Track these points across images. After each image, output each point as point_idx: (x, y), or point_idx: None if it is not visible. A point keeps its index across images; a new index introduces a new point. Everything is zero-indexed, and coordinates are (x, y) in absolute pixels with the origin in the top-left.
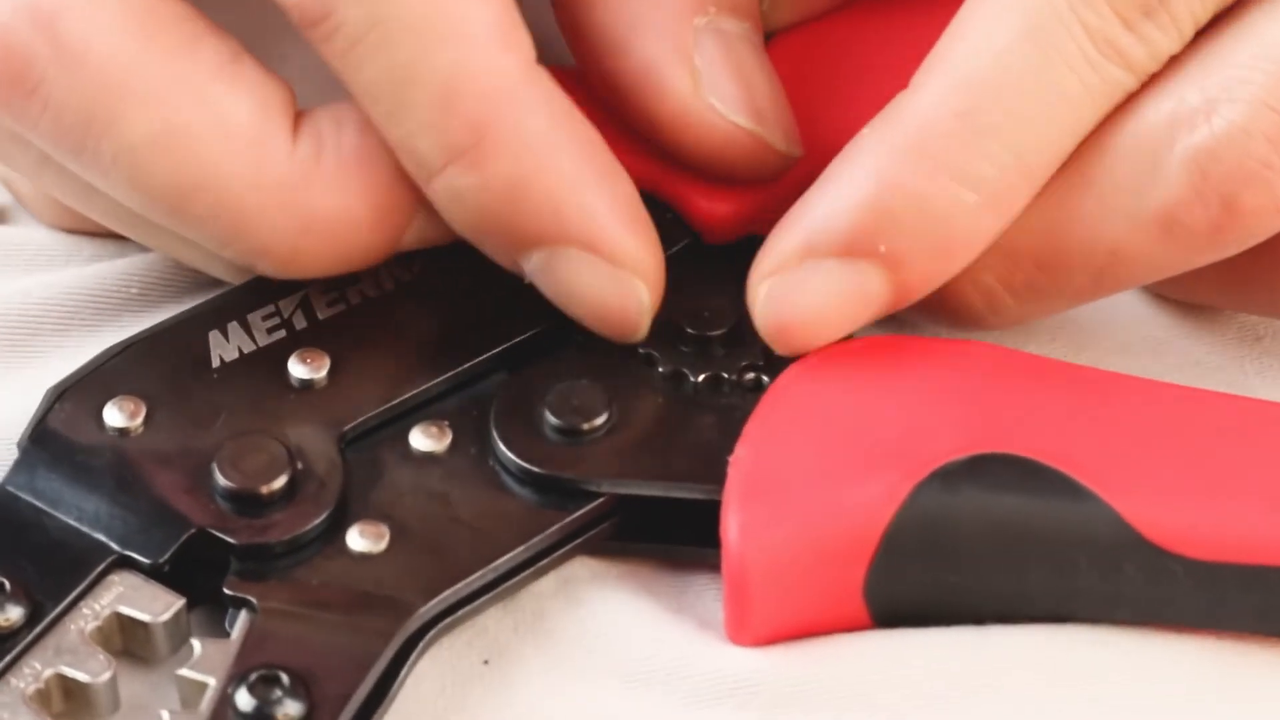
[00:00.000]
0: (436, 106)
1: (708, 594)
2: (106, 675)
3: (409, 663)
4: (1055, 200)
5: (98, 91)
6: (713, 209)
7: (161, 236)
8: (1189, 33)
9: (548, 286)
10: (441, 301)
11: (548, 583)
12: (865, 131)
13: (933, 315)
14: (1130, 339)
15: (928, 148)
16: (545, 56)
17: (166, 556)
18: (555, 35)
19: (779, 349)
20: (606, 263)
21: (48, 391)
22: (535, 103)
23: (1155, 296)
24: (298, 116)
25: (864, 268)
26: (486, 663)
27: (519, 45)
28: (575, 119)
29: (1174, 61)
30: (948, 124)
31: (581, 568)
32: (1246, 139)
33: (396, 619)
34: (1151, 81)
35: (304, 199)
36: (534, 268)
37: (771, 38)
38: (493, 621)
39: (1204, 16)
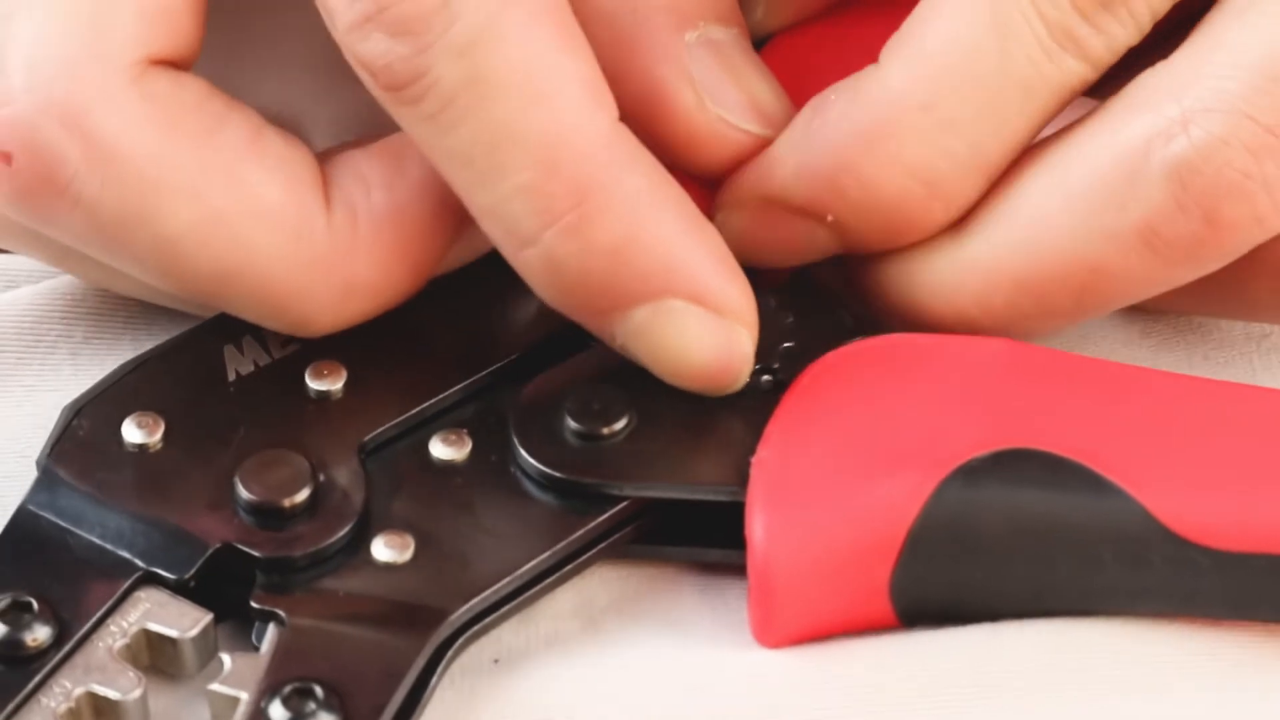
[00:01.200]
0: (536, 168)
1: (730, 594)
2: (137, 692)
3: (438, 671)
4: (1034, 219)
5: (131, 188)
6: None
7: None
8: (1146, 25)
9: (648, 344)
10: (457, 309)
11: (565, 600)
12: (833, 98)
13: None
14: (1134, 335)
15: (888, 137)
16: None
17: (192, 572)
18: None
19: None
20: (712, 313)
21: (65, 409)
22: (632, 160)
23: None
24: (324, 180)
25: (813, 226)
26: (496, 661)
27: (608, 102)
28: (666, 175)
29: (1148, 74)
30: (911, 117)
31: (601, 586)
32: (1225, 149)
33: (426, 628)
34: (1129, 93)
35: (346, 268)
36: (633, 327)
37: (769, 40)
38: (507, 632)
39: (1161, 8)
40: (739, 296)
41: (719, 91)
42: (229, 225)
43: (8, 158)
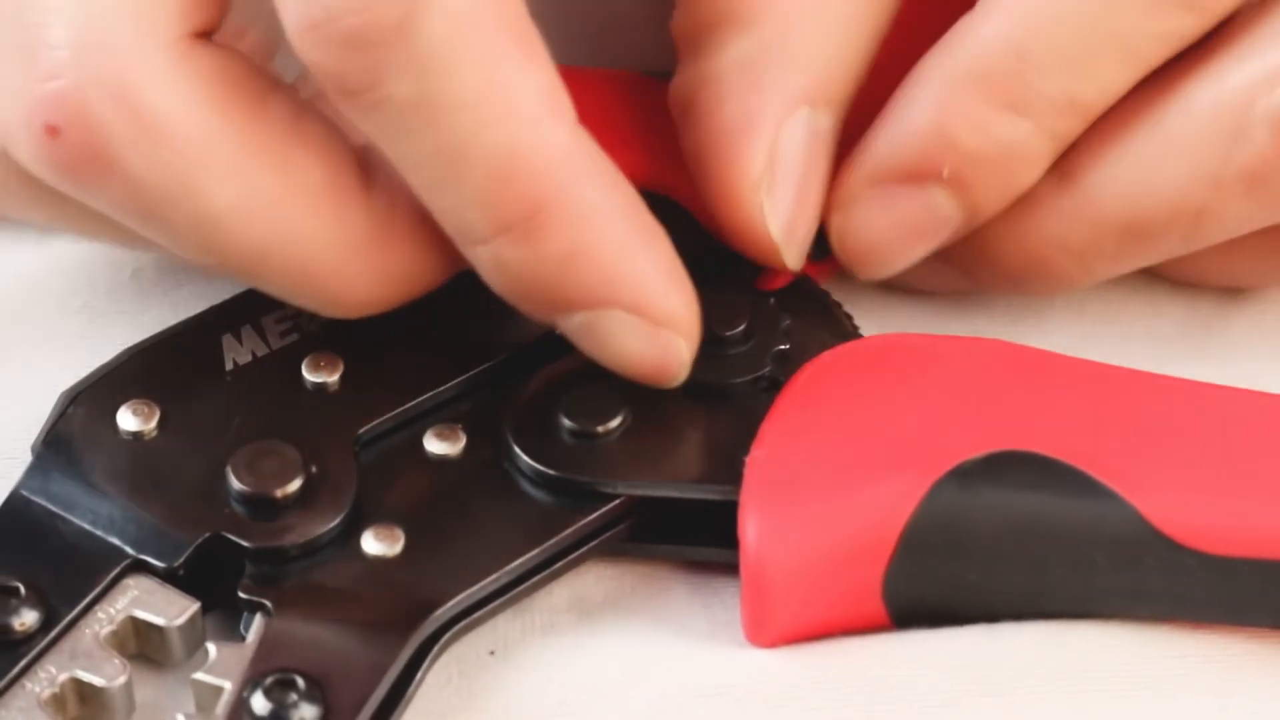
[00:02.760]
0: (489, 183)
1: (724, 593)
2: (121, 679)
3: (424, 666)
4: (1141, 167)
5: (176, 163)
6: None
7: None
8: None
9: (586, 345)
10: (455, 304)
11: (560, 597)
12: (929, 60)
13: (1019, 282)
14: (1136, 332)
15: (987, 80)
16: None
17: (181, 560)
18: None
19: (859, 276)
20: (649, 323)
21: (61, 395)
22: (587, 174)
23: (1170, 287)
24: (364, 165)
25: (932, 191)
26: (492, 653)
27: (565, 112)
28: (621, 183)
29: (1249, 21)
30: (1007, 62)
31: (595, 584)
32: None
33: (412, 622)
34: (1231, 42)
35: (384, 252)
36: (573, 326)
37: None
38: (502, 621)
39: None
40: (679, 307)
41: (781, 183)
42: (272, 204)
43: (55, 131)
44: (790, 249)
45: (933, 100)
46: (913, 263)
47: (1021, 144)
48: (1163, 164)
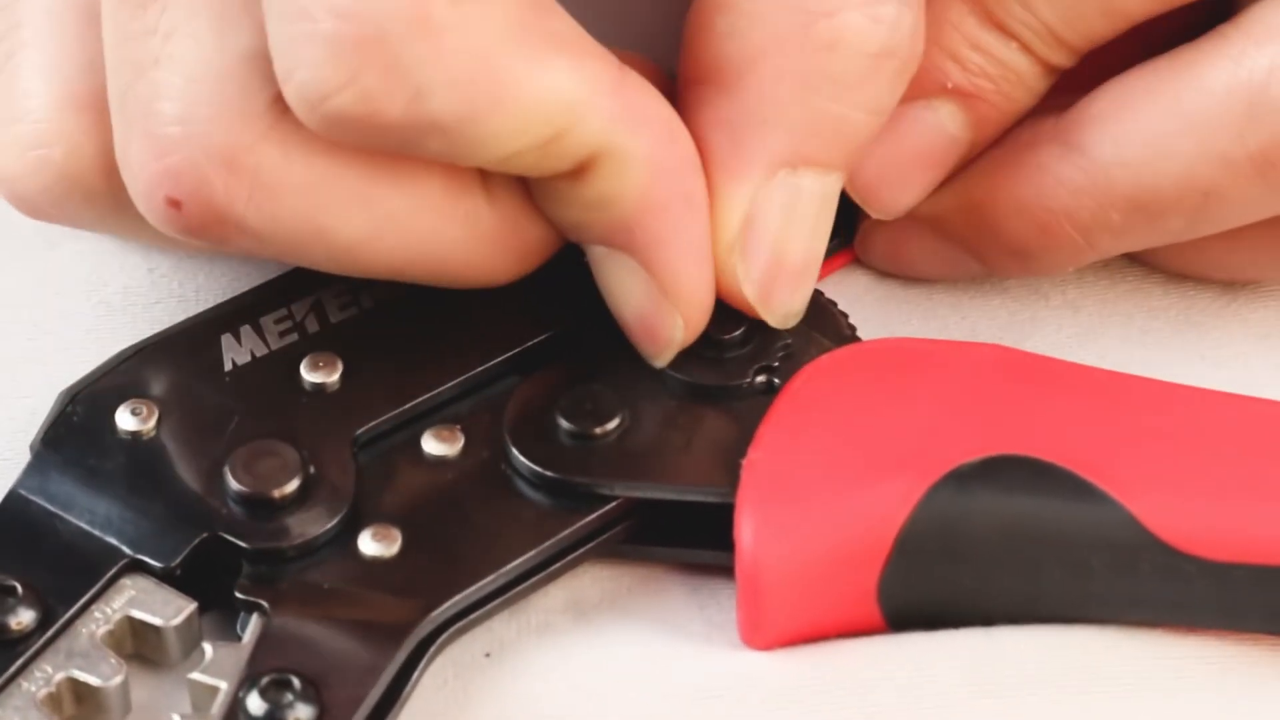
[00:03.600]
0: (536, 155)
1: (721, 595)
2: (118, 679)
3: (420, 666)
4: (1150, 141)
5: (299, 214)
6: None
7: None
8: None
9: (597, 275)
10: (454, 305)
11: (557, 598)
12: None
13: (1025, 256)
14: (1132, 333)
15: (977, 2)
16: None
17: (178, 560)
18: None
19: (873, 213)
20: (655, 284)
21: (60, 394)
22: (633, 135)
23: (1165, 289)
24: None
25: (939, 109)
26: (488, 655)
27: (608, 84)
28: (674, 146)
29: (1263, 5)
30: None
31: (592, 585)
32: None
33: (408, 623)
34: (1251, 27)
35: (515, 235)
36: (592, 254)
37: None
38: (498, 623)
39: None
40: (688, 283)
41: (757, 244)
42: (400, 224)
43: (177, 203)
44: (770, 311)
45: (931, 22)
46: (924, 194)
47: (1012, 62)
48: (1174, 139)
